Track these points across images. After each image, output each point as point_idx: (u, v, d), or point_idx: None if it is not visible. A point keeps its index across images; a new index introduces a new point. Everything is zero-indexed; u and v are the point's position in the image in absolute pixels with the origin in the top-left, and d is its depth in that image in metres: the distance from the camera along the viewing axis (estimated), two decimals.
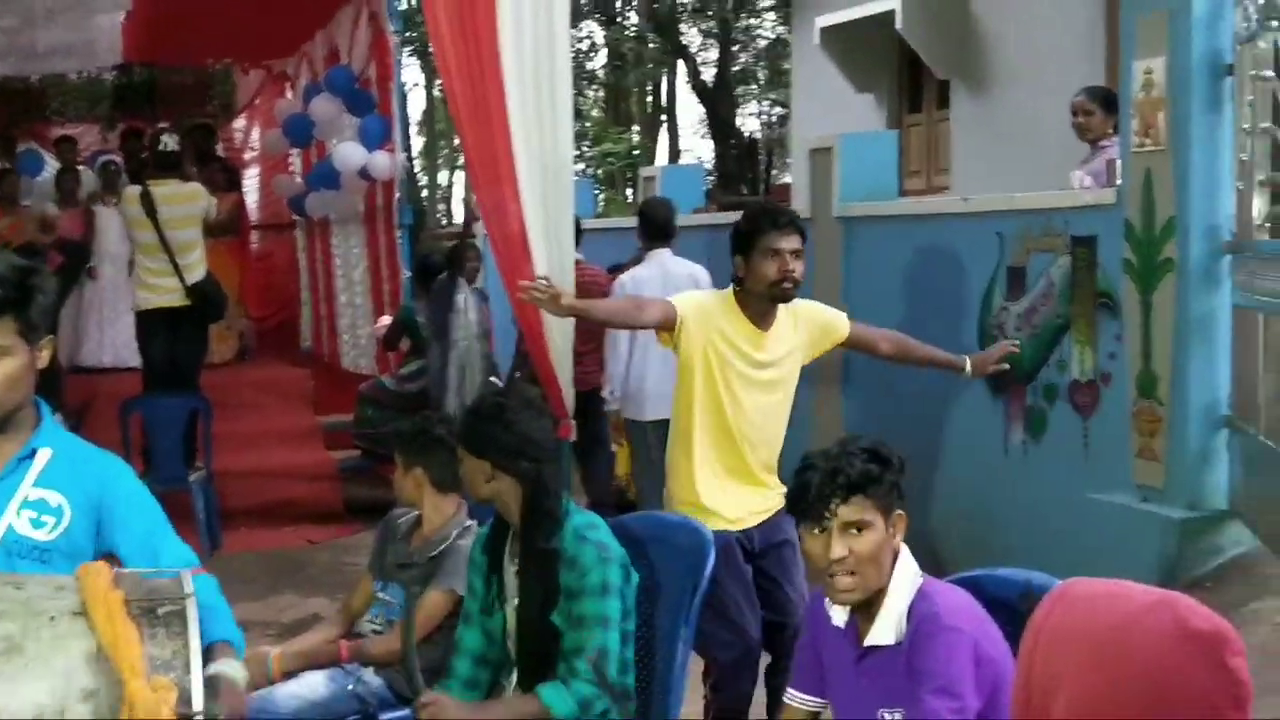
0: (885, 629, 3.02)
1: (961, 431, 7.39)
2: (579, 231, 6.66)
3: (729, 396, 4.86)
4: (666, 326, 4.86)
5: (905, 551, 3.09)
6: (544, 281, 4.97)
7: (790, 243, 4.81)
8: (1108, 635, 2.31)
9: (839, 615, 3.12)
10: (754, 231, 4.84)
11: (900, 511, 3.07)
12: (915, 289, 7.62)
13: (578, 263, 6.54)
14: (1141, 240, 6.10)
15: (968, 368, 5.58)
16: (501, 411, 3.69)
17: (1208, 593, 5.58)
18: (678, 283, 7.38)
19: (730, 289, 4.97)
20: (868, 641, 3.04)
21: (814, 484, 2.98)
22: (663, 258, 7.65)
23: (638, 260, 7.93)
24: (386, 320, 10.29)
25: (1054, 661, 2.36)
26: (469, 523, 4.28)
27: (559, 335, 6.20)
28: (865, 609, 3.06)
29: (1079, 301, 6.56)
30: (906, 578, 3.04)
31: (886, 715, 2.99)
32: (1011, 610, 2.99)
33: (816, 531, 2.99)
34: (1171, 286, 5.98)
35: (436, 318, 8.79)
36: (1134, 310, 6.18)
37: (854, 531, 2.98)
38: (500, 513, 3.79)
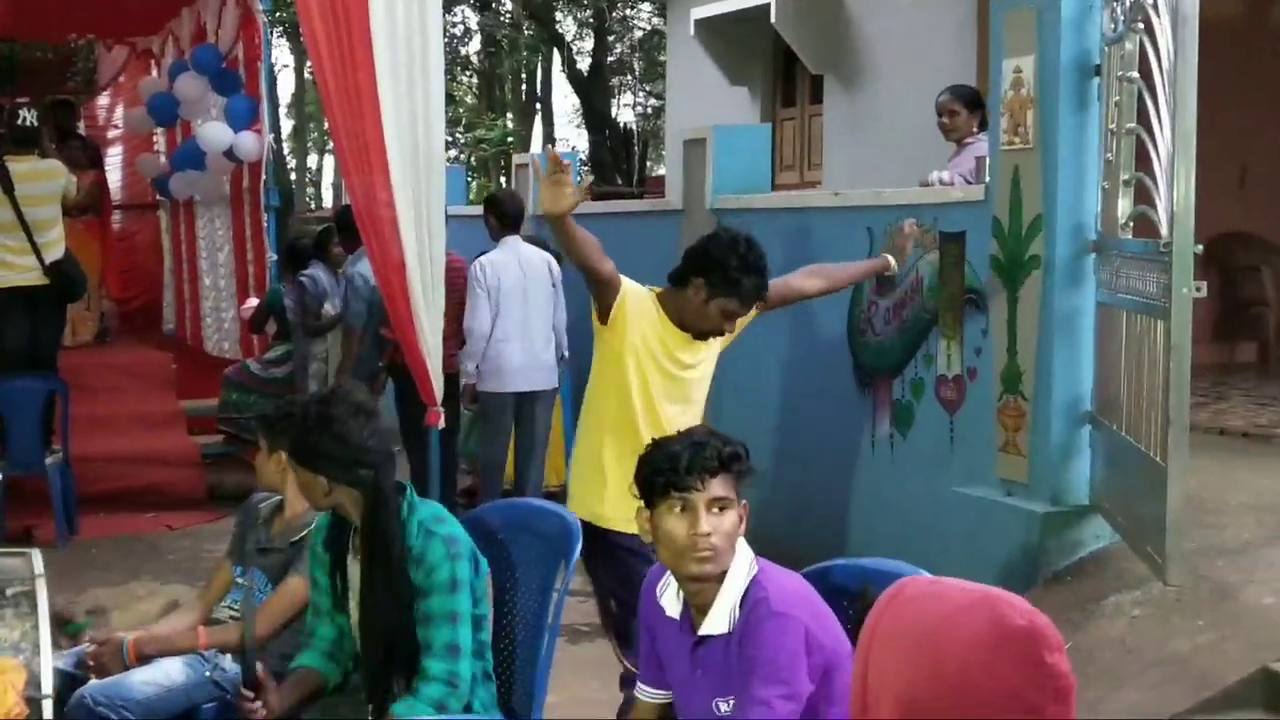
0: (719, 617, 3.00)
1: (829, 427, 7.39)
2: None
3: (645, 397, 4.78)
4: (613, 287, 4.70)
5: (742, 541, 3.06)
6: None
7: (748, 315, 4.78)
8: (926, 635, 2.30)
9: (672, 605, 3.11)
10: (729, 285, 4.65)
11: (745, 501, 3.07)
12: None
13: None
14: (1008, 237, 6.13)
15: (893, 265, 6.16)
16: (329, 422, 3.57)
17: (1066, 586, 5.61)
18: (535, 267, 8.02)
19: (655, 289, 4.84)
20: (702, 630, 3.02)
21: (683, 456, 2.95)
22: (516, 244, 8.09)
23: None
24: (253, 303, 10.21)
25: (884, 662, 2.37)
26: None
27: (428, 322, 6.18)
28: (698, 598, 3.04)
29: (947, 297, 6.57)
30: (742, 566, 3.02)
31: (722, 705, 2.98)
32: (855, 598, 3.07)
33: (678, 509, 2.96)
34: (1037, 283, 5.99)
35: (302, 302, 8.81)
36: (1000, 306, 6.20)
37: (717, 510, 2.97)
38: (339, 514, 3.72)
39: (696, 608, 3.03)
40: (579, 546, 3.72)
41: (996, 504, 6.16)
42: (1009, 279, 6.14)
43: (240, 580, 4.36)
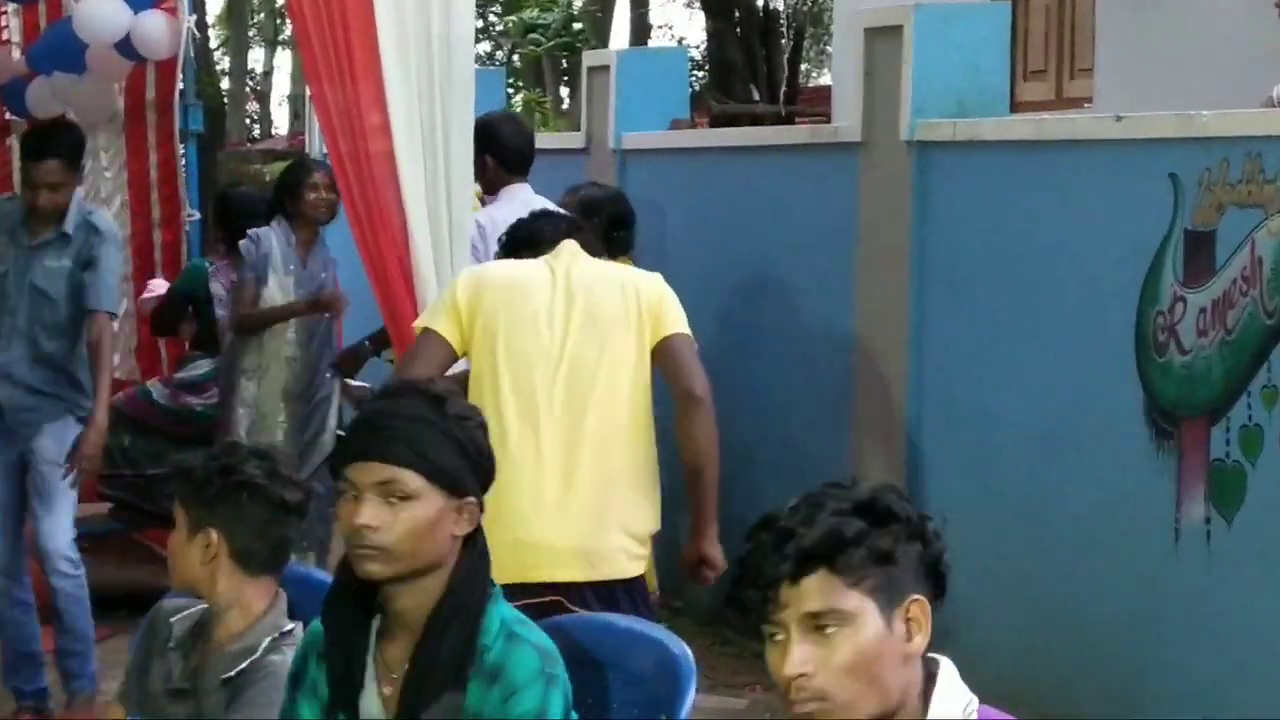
0: None
1: (1100, 503, 5.95)
2: None
3: None
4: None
5: (950, 676, 2.46)
6: None
7: None
8: None
9: None
10: None
11: (918, 598, 2.41)
12: (1033, 258, 6.29)
13: None
14: None
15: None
16: (442, 406, 3.03)
17: None
18: None
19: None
20: None
21: (757, 558, 2.48)
22: (523, 194, 6.77)
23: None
24: (158, 289, 8.19)
25: None
26: (288, 626, 3.59)
27: None
28: None
29: None
30: (949, 712, 2.44)
31: None
32: None
33: (778, 637, 2.47)
34: None
35: (245, 289, 6.83)
36: None
37: (820, 629, 2.42)
38: (348, 584, 3.09)
39: None
40: (689, 696, 3.30)
41: None
42: None
43: None
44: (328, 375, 6.74)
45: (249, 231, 6.87)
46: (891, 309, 6.48)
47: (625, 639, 3.54)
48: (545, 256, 4.52)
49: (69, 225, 5.66)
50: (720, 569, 4.56)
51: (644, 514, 4.45)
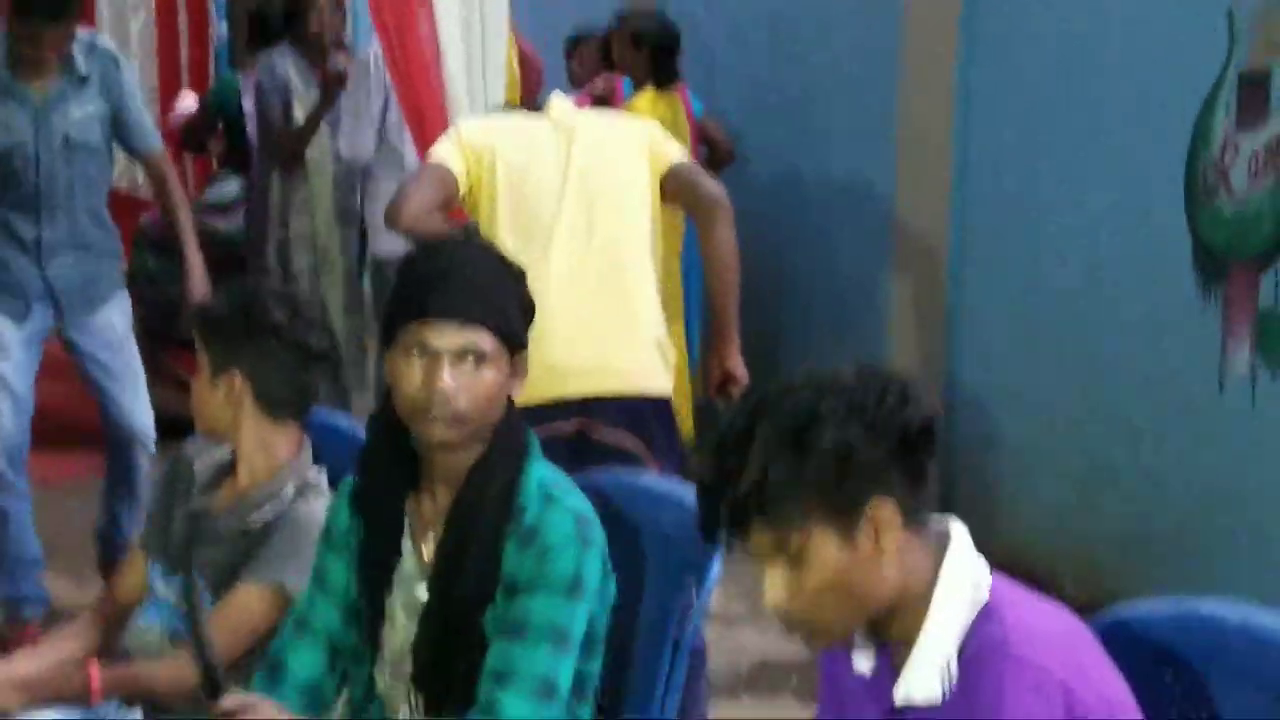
0: (922, 678, 2.38)
1: (1145, 354, 5.88)
2: None
3: None
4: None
5: (957, 552, 2.34)
6: None
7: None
8: None
9: (863, 660, 2.52)
10: None
11: (876, 499, 2.28)
12: (1085, 89, 6.12)
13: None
14: None
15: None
16: (505, 260, 2.96)
17: None
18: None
19: None
20: (899, 700, 2.41)
21: (700, 513, 2.42)
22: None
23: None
24: (187, 105, 7.83)
25: None
26: (314, 471, 3.53)
27: None
28: (899, 644, 2.46)
29: None
30: (953, 594, 2.34)
31: None
32: (1173, 662, 2.51)
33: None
34: None
35: (267, 104, 6.43)
36: None
37: (785, 560, 2.36)
38: (389, 441, 2.97)
39: (896, 666, 2.48)
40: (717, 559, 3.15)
41: None
42: None
43: (159, 587, 3.63)
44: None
45: (260, 62, 6.52)
46: (935, 129, 6.34)
47: (657, 499, 3.43)
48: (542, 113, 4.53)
49: (82, 65, 5.03)
50: (744, 383, 4.60)
51: (662, 331, 4.46)
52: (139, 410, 5.18)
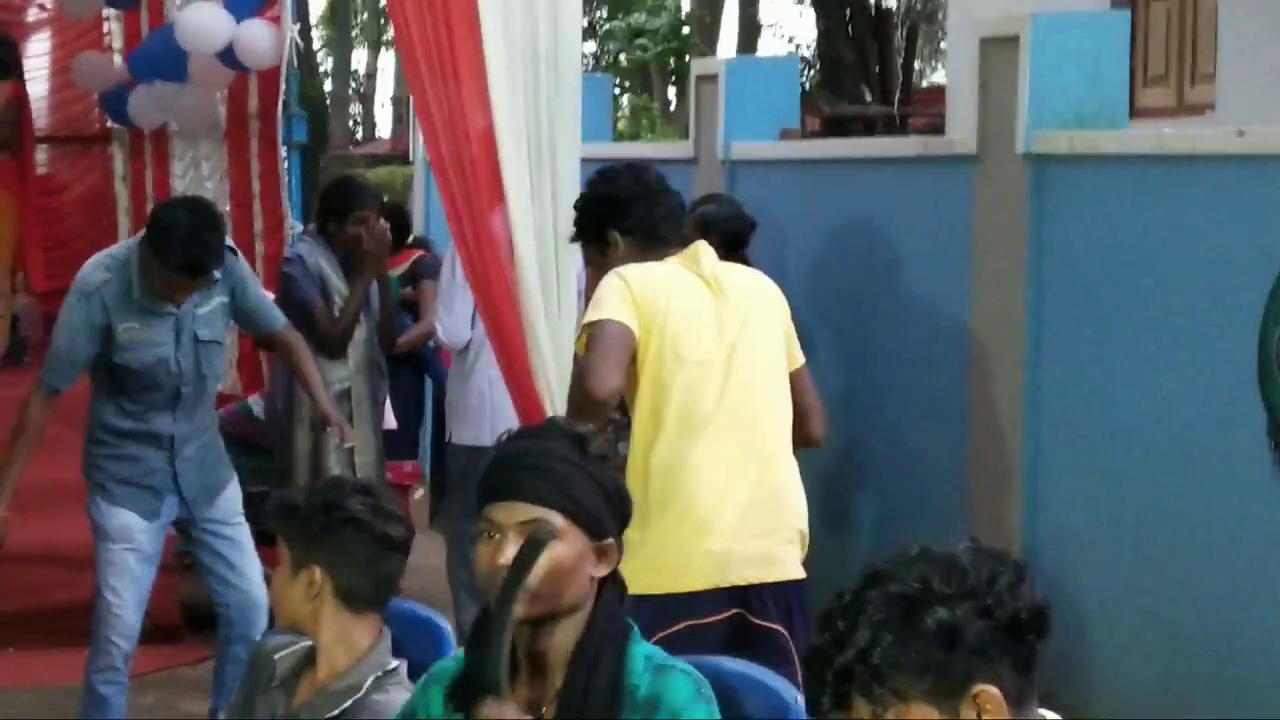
0: None
1: (1218, 526, 5.74)
2: None
3: None
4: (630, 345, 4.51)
5: None
6: None
7: None
8: None
9: None
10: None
11: (984, 687, 2.21)
12: (1153, 274, 6.10)
13: None
14: None
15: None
16: (585, 446, 2.96)
17: None
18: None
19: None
20: None
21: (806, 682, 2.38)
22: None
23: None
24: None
25: None
26: (393, 663, 3.56)
27: (546, 342, 5.06)
28: None
29: None
30: None
31: None
32: None
33: None
34: None
35: (316, 308, 6.55)
36: None
37: None
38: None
39: None
40: None
41: None
42: None
43: None
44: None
45: (290, 255, 6.67)
46: (1007, 323, 6.29)
47: (738, 683, 3.39)
48: (675, 259, 4.42)
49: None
50: None
51: (804, 520, 4.48)
52: (258, 580, 5.20)
